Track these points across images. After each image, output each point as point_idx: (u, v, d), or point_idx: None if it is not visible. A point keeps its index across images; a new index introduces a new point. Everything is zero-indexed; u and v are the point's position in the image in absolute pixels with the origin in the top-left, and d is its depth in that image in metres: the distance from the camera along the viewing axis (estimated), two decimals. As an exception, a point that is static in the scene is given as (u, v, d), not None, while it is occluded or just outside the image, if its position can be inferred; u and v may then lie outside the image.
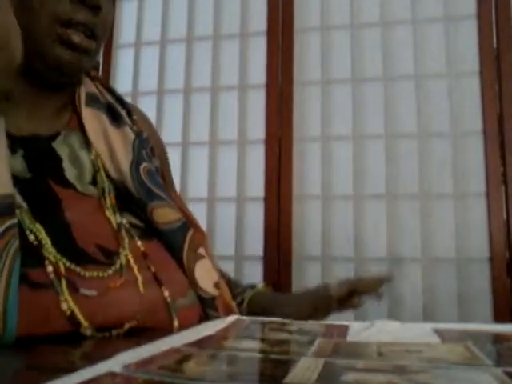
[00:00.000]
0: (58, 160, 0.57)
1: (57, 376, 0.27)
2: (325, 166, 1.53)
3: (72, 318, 0.46)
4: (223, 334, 0.44)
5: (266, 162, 1.56)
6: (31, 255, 0.47)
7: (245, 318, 0.53)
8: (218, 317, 0.60)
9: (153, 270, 0.55)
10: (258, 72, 1.62)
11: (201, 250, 0.62)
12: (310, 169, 1.55)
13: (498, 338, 0.44)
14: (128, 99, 1.87)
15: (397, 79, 1.54)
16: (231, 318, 0.52)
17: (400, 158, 1.50)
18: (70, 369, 0.28)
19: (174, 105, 1.69)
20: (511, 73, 1.44)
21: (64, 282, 0.47)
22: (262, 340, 0.43)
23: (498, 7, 1.48)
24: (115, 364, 0.30)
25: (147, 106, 1.70)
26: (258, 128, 1.60)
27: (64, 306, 0.46)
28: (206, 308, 0.59)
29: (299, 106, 1.58)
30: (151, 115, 1.71)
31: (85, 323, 0.46)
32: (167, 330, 0.51)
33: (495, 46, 1.47)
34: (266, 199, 1.54)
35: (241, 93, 1.64)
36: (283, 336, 0.44)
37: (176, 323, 0.53)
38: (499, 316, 1.34)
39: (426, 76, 1.52)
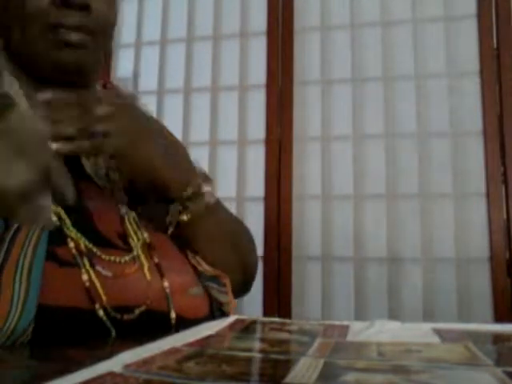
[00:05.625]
0: (76, 157, 0.59)
1: (57, 376, 0.27)
2: (325, 166, 1.53)
3: (90, 292, 0.48)
4: (223, 334, 0.44)
5: (265, 162, 1.56)
6: (56, 234, 0.50)
7: (245, 317, 0.53)
8: (225, 292, 0.62)
9: (156, 260, 0.56)
10: (258, 72, 1.62)
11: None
12: (310, 169, 1.55)
13: (498, 338, 0.44)
14: (128, 99, 1.84)
15: (397, 79, 1.54)
16: (231, 318, 0.52)
17: (400, 157, 1.50)
18: (70, 369, 0.28)
19: (174, 105, 1.69)
20: (511, 73, 1.44)
21: (85, 258, 0.50)
22: (262, 340, 0.43)
23: (498, 7, 1.48)
24: (115, 364, 0.30)
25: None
26: (258, 128, 1.60)
27: (84, 277, 0.48)
28: (211, 283, 0.61)
29: (299, 106, 1.58)
30: (151, 115, 1.71)
31: (103, 296, 0.48)
32: (165, 322, 0.53)
33: (495, 46, 1.47)
34: (266, 199, 1.54)
35: (241, 93, 1.64)
36: (283, 336, 0.44)
37: (173, 315, 0.54)
38: (499, 316, 1.34)
39: (426, 76, 1.52)
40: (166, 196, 0.61)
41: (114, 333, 0.49)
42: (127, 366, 0.30)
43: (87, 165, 0.60)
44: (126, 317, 0.50)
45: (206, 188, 0.62)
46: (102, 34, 0.60)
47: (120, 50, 1.78)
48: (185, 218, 0.61)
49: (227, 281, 0.66)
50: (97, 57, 0.61)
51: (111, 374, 0.28)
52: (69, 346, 0.43)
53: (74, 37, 0.56)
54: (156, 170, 0.59)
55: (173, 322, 0.54)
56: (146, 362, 0.31)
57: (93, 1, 0.57)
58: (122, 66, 1.77)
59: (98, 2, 0.58)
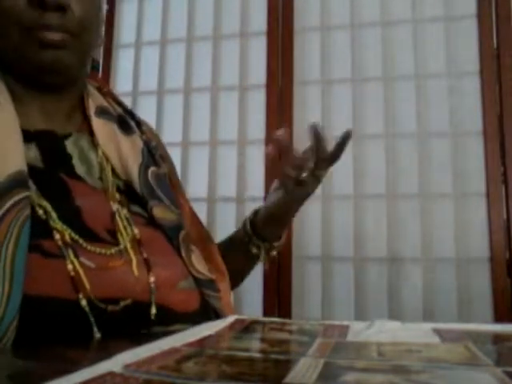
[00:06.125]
0: (68, 157, 0.60)
1: (57, 376, 0.27)
2: (325, 166, 1.53)
3: (75, 282, 0.49)
4: (223, 334, 0.44)
5: (266, 162, 1.56)
6: (41, 228, 0.50)
7: (245, 317, 0.53)
8: (218, 297, 0.63)
9: (145, 255, 0.57)
10: (258, 72, 1.62)
11: (192, 247, 0.65)
12: (310, 169, 1.55)
13: (498, 338, 0.44)
14: (128, 99, 1.86)
15: (397, 79, 1.54)
16: (231, 318, 0.52)
17: (400, 158, 1.50)
18: (70, 369, 0.28)
19: (174, 105, 1.69)
20: (511, 73, 1.44)
21: (70, 249, 0.51)
22: (262, 340, 0.43)
23: (498, 7, 1.48)
24: (115, 364, 0.30)
25: (147, 106, 1.70)
26: (258, 128, 1.60)
27: (69, 267, 0.49)
28: (205, 289, 0.62)
29: (299, 105, 1.58)
30: (151, 115, 1.72)
31: (87, 285, 0.49)
32: (150, 316, 0.53)
33: (495, 46, 1.47)
34: (266, 199, 1.53)
35: (241, 93, 1.64)
36: (283, 336, 0.44)
37: (153, 310, 0.54)
38: (499, 316, 1.34)
39: (426, 76, 1.52)
40: (271, 231, 0.80)
41: (95, 326, 0.49)
42: (127, 366, 0.30)
43: (79, 166, 0.60)
44: (110, 308, 0.50)
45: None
46: (82, 34, 0.59)
47: (120, 49, 1.78)
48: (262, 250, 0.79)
49: (224, 284, 0.67)
50: (79, 57, 0.60)
51: (111, 374, 0.28)
52: (68, 347, 0.42)
53: (52, 36, 0.56)
54: (290, 214, 0.83)
55: (152, 317, 0.54)
56: (145, 362, 0.31)
57: (70, 1, 0.57)
58: (122, 66, 1.77)
59: (76, 2, 0.58)
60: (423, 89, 1.51)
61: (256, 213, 0.82)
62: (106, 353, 0.32)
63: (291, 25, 1.62)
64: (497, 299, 1.36)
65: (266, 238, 0.79)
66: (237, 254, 0.80)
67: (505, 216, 1.39)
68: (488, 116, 1.44)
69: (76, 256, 0.51)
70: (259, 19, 1.66)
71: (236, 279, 0.79)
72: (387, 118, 1.52)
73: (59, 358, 0.38)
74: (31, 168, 0.53)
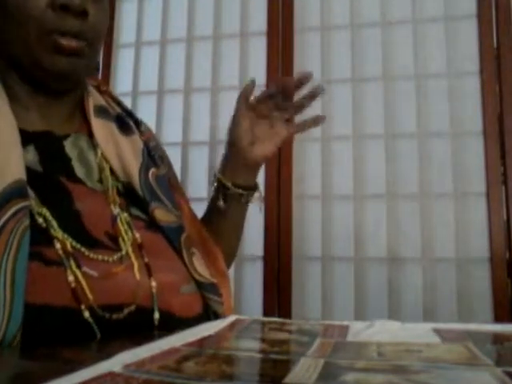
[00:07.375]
0: (67, 159, 0.59)
1: (57, 376, 0.27)
2: (325, 166, 1.53)
3: (76, 292, 0.48)
4: (223, 334, 0.44)
5: (266, 162, 1.56)
6: (42, 236, 0.50)
7: (245, 317, 0.53)
8: (220, 302, 0.62)
9: (146, 260, 0.57)
10: (258, 72, 1.62)
11: (193, 250, 0.65)
12: (310, 169, 1.55)
13: (498, 338, 0.44)
14: (128, 99, 1.85)
15: (397, 79, 1.54)
16: (231, 318, 0.52)
17: (400, 158, 1.50)
18: (70, 369, 0.28)
19: (174, 105, 1.69)
20: (511, 73, 1.44)
21: (71, 259, 0.50)
22: (262, 340, 0.43)
23: (498, 7, 1.48)
24: (115, 364, 0.30)
25: (147, 106, 1.70)
26: (258, 128, 1.59)
27: (70, 278, 0.49)
28: (207, 293, 0.62)
29: (299, 106, 1.58)
30: (151, 115, 1.72)
31: (90, 296, 0.49)
32: (153, 321, 0.53)
33: (495, 45, 1.47)
34: (266, 199, 1.54)
35: (241, 93, 1.64)
36: (283, 336, 0.44)
37: (157, 315, 0.54)
38: (499, 316, 1.34)
39: (426, 76, 1.52)
40: (249, 175, 0.87)
41: (98, 334, 0.48)
42: (127, 366, 0.30)
43: (78, 167, 0.59)
44: (115, 316, 0.50)
45: (256, 193, 0.85)
46: (96, 41, 0.60)
47: (120, 49, 1.78)
48: (240, 190, 0.81)
49: (226, 289, 0.67)
50: (90, 64, 0.61)
51: (111, 374, 0.28)
52: (68, 347, 0.42)
53: (70, 42, 0.56)
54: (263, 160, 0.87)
55: (156, 322, 0.53)
56: (145, 362, 0.31)
57: (90, 7, 0.57)
58: (122, 66, 1.77)
59: (95, 9, 0.58)
60: (423, 89, 1.51)
61: (221, 171, 0.86)
62: (105, 353, 0.32)
63: (291, 25, 1.62)
64: (497, 299, 1.36)
65: (242, 185, 0.83)
66: (224, 216, 0.82)
67: (505, 216, 1.39)
68: (488, 116, 1.44)
69: (78, 266, 0.50)
70: (259, 19, 1.66)
71: (232, 247, 0.85)
72: (387, 118, 1.52)
73: (59, 358, 0.38)
74: (30, 172, 0.52)
